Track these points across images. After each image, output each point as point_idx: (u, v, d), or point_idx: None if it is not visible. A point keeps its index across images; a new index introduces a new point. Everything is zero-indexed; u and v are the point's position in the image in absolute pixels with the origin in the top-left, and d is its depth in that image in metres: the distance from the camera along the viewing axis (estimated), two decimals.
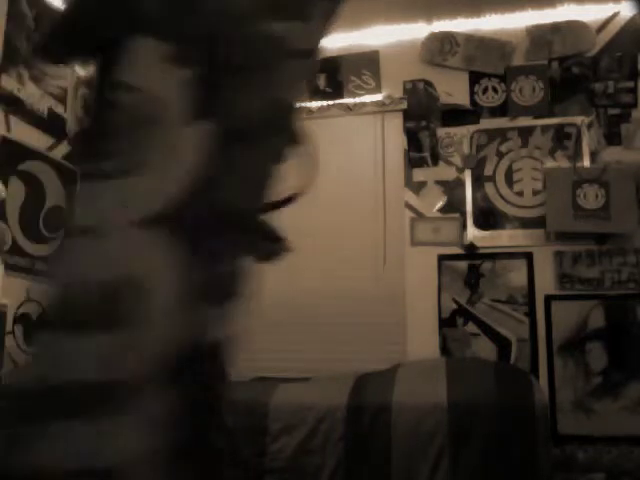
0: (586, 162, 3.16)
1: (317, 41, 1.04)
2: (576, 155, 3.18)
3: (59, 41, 1.12)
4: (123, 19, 0.93)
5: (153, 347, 0.83)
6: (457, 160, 3.31)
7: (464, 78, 3.40)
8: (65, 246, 0.86)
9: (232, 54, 0.92)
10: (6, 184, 2.77)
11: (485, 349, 3.09)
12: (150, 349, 0.82)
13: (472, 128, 3.34)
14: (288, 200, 1.10)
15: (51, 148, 3.17)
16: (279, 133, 1.00)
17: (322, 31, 1.05)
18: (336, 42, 3.42)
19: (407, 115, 3.39)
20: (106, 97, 0.92)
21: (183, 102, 0.88)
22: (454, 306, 3.17)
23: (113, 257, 0.84)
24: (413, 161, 3.36)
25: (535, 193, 3.21)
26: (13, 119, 2.91)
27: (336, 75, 3.44)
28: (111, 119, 0.89)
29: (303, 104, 1.00)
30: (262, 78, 0.95)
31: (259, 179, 0.96)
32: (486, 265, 3.18)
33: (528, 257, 3.14)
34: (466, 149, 3.32)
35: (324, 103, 3.45)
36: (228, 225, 0.91)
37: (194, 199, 0.86)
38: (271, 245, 1.01)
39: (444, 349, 3.13)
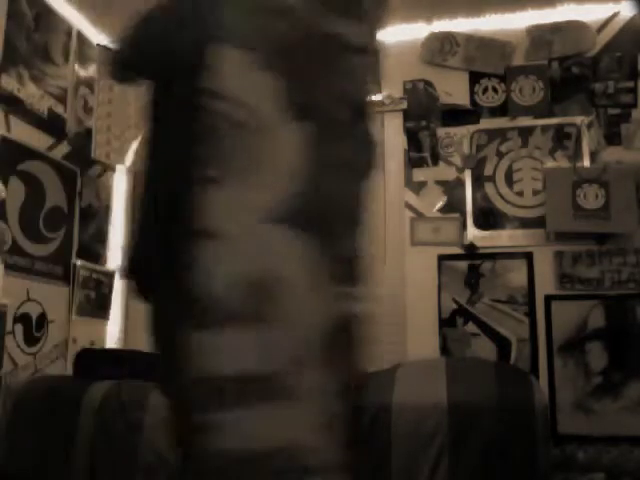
0: (586, 162, 3.16)
1: (371, 37, 1.10)
2: (576, 155, 3.18)
3: (132, 60, 1.22)
4: (204, 30, 0.98)
5: (300, 333, 0.89)
6: (457, 160, 3.31)
7: (464, 78, 3.40)
8: (195, 251, 0.89)
9: (302, 54, 0.98)
10: (6, 184, 2.77)
11: (485, 349, 3.09)
12: (298, 336, 0.89)
13: (472, 128, 3.34)
14: None
15: (51, 148, 3.17)
16: (357, 125, 1.05)
17: (374, 28, 1.11)
18: None
19: (407, 115, 3.39)
20: (194, 105, 0.95)
21: (275, 106, 0.94)
22: (454, 306, 3.17)
23: (250, 255, 0.90)
24: (413, 161, 3.36)
25: (535, 193, 3.21)
26: (13, 119, 2.91)
27: None
28: (205, 126, 0.93)
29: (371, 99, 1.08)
30: (329, 75, 1.00)
31: (352, 167, 1.03)
32: (486, 265, 3.18)
33: (528, 257, 3.14)
34: (466, 149, 3.32)
35: None
36: (339, 213, 0.99)
37: (307, 194, 0.93)
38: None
39: (444, 349, 3.13)
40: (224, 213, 0.91)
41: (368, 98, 1.11)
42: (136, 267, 1.13)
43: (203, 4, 1.04)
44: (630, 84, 3.19)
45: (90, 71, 3.46)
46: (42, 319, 3.03)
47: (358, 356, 1.02)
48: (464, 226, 3.24)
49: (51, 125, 3.16)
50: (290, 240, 0.92)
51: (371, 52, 1.09)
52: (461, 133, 3.34)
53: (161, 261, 1.02)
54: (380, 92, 3.15)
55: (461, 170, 3.30)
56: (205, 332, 0.86)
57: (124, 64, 1.28)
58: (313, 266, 0.93)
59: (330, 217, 0.98)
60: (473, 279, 3.18)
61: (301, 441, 0.87)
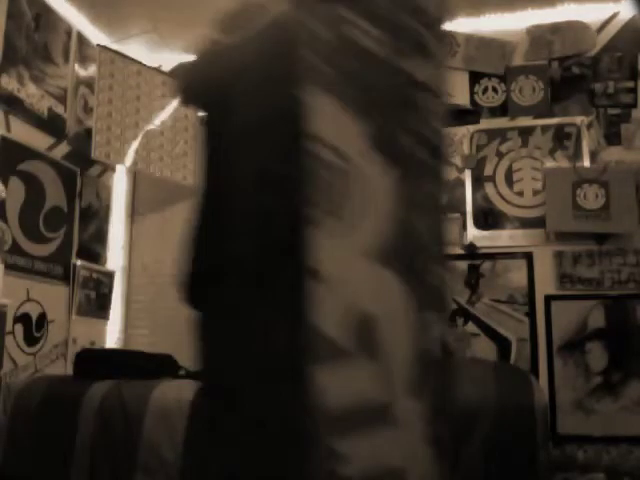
0: (586, 162, 3.16)
1: (439, 77, 1.16)
2: (576, 155, 3.18)
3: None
4: (289, 75, 1.02)
5: (400, 364, 0.98)
6: (457, 160, 3.31)
7: (464, 78, 3.40)
8: (303, 289, 0.95)
9: (386, 98, 1.04)
10: (6, 184, 2.77)
11: (485, 349, 3.09)
12: (398, 366, 0.98)
13: (472, 128, 3.34)
14: None
15: (51, 148, 3.17)
16: (435, 164, 1.12)
17: (442, 68, 1.18)
18: None
19: None
20: (294, 147, 1.00)
21: (365, 149, 1.00)
22: (454, 306, 3.17)
23: (352, 294, 0.97)
24: None
25: (535, 193, 3.21)
26: (13, 119, 2.91)
27: None
28: (303, 169, 0.98)
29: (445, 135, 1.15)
30: (410, 117, 1.07)
31: (435, 206, 1.12)
32: (486, 265, 3.18)
33: (528, 257, 3.14)
34: (466, 149, 3.32)
35: None
36: (427, 249, 1.07)
37: (398, 233, 1.01)
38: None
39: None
40: (326, 255, 0.97)
41: (444, 138, 1.17)
42: (195, 281, 1.18)
43: (282, 48, 1.07)
44: (630, 84, 3.19)
45: (90, 71, 3.46)
46: (42, 319, 3.03)
47: (450, 380, 1.09)
48: (464, 226, 3.24)
49: (51, 125, 3.16)
50: (386, 278, 1.00)
51: (444, 94, 1.15)
52: (461, 133, 3.34)
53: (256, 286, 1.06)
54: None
55: (461, 170, 3.30)
56: (319, 366, 0.94)
57: (186, 93, 1.35)
58: (407, 300, 1.00)
59: (419, 253, 1.06)
60: (473, 279, 3.18)
61: (408, 465, 0.96)
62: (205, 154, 1.24)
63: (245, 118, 1.11)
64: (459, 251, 3.21)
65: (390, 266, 1.00)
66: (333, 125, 1.00)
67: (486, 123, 3.34)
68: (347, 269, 0.98)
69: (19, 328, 2.87)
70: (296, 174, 0.98)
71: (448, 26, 1.22)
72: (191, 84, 1.20)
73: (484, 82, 3.38)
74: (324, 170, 0.98)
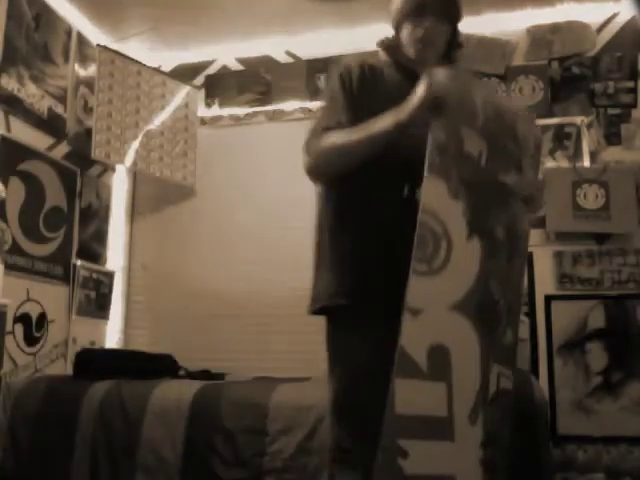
0: (586, 162, 3.16)
1: (531, 187, 1.54)
2: (576, 155, 3.18)
3: None
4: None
5: (464, 392, 1.26)
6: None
7: None
8: (402, 320, 1.26)
9: (480, 191, 1.41)
10: (6, 184, 2.77)
11: None
12: (463, 394, 1.26)
13: None
14: None
15: (51, 148, 3.17)
16: (514, 245, 1.46)
17: (534, 179, 1.56)
18: (336, 42, 3.42)
19: None
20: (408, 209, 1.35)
21: (462, 225, 1.35)
22: None
23: (437, 330, 1.28)
24: None
25: None
26: (13, 119, 2.91)
27: None
28: (417, 231, 1.30)
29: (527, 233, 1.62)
30: (498, 209, 1.44)
31: (510, 279, 1.44)
32: None
33: (528, 257, 3.13)
34: None
35: None
36: (502, 309, 1.38)
37: (479, 291, 1.33)
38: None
39: None
40: (424, 297, 1.28)
41: (524, 228, 1.50)
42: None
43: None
44: (630, 84, 3.19)
45: (90, 71, 3.46)
46: (42, 319, 3.03)
47: (506, 419, 1.36)
48: None
49: (51, 125, 3.16)
50: (461, 322, 1.30)
51: (529, 199, 1.52)
52: None
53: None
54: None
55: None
56: (402, 380, 1.21)
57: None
58: (476, 343, 1.30)
59: (491, 311, 1.35)
60: None
61: (459, 476, 1.20)
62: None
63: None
64: None
65: (466, 314, 1.30)
66: (441, 203, 1.34)
67: None
68: (429, 306, 1.27)
69: (19, 328, 2.87)
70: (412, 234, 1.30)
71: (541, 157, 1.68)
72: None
73: None
74: (427, 232, 1.30)
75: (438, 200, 1.33)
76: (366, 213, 1.50)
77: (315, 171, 1.53)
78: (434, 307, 1.28)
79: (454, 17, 1.68)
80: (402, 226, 1.33)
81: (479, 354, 1.28)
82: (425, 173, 1.32)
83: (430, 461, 1.18)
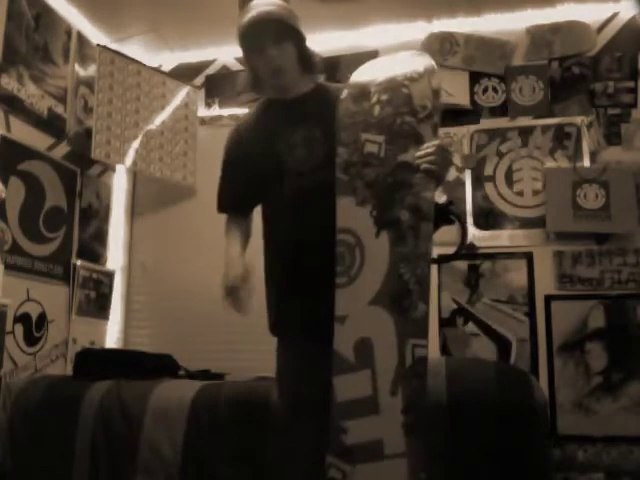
0: (586, 162, 3.16)
1: (432, 153, 1.60)
2: (576, 155, 3.18)
3: None
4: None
5: (387, 371, 1.52)
6: (457, 160, 3.31)
7: (464, 78, 3.40)
8: (334, 331, 1.55)
9: (384, 185, 1.60)
10: (6, 184, 2.77)
11: (485, 349, 3.09)
12: (385, 373, 1.52)
13: (472, 128, 3.34)
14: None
15: (51, 148, 3.17)
16: (419, 225, 1.60)
17: (435, 147, 1.61)
18: (336, 42, 3.42)
19: None
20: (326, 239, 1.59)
21: (369, 225, 1.57)
22: (454, 306, 3.17)
23: (359, 327, 1.55)
24: None
25: (535, 193, 3.21)
26: (13, 119, 2.91)
27: (335, 75, 3.43)
28: (336, 251, 1.57)
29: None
30: (400, 192, 1.59)
31: (418, 256, 1.58)
32: (486, 265, 3.18)
33: (528, 257, 3.14)
34: (466, 149, 3.32)
35: None
36: (411, 290, 1.56)
37: (389, 280, 1.55)
38: None
39: (444, 349, 3.13)
40: (347, 304, 1.56)
41: (430, 202, 1.58)
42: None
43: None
44: (630, 84, 3.19)
45: (90, 71, 3.45)
46: (42, 319, 3.03)
47: (422, 385, 1.53)
48: (458, 225, 3.22)
49: (51, 125, 3.16)
50: (379, 313, 1.54)
51: (429, 171, 1.58)
52: (461, 133, 3.34)
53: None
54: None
55: (461, 170, 3.30)
56: (337, 377, 1.53)
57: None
58: (394, 328, 1.53)
59: (405, 293, 1.54)
60: (473, 279, 3.18)
61: (385, 438, 1.51)
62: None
63: None
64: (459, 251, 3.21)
65: (382, 304, 1.54)
66: (350, 216, 1.58)
67: (486, 123, 3.34)
68: (352, 309, 1.55)
69: (19, 328, 2.87)
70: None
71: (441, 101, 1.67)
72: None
73: (484, 82, 3.38)
74: (344, 247, 1.57)
75: (347, 215, 1.58)
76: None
77: None
78: (356, 308, 1.55)
79: (292, 36, 1.71)
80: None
81: (395, 335, 1.52)
82: (336, 195, 1.59)
83: (362, 432, 1.50)
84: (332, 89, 1.80)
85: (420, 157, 1.58)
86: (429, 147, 1.58)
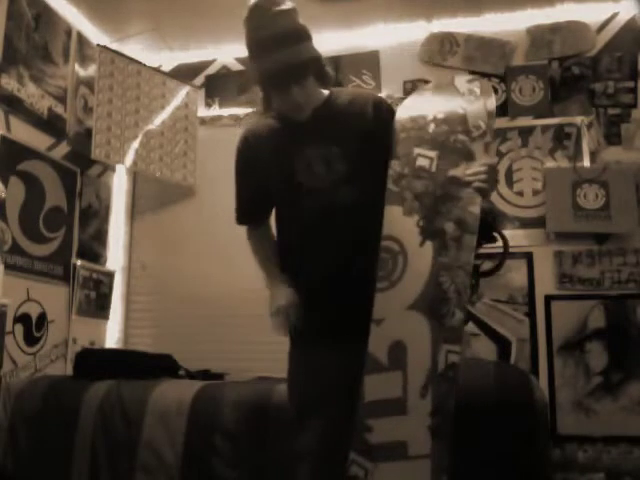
0: (586, 162, 3.16)
1: (483, 172, 1.66)
2: (576, 155, 3.18)
3: None
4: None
5: (418, 375, 1.56)
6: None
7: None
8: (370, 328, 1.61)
9: (432, 197, 1.68)
10: (6, 184, 2.77)
11: (485, 349, 3.09)
12: (416, 377, 1.56)
13: None
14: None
15: (51, 148, 3.17)
16: (463, 236, 1.64)
17: (485, 161, 1.67)
18: (336, 42, 3.42)
19: None
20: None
21: (414, 234, 1.64)
22: None
23: (395, 330, 1.60)
24: None
25: (535, 193, 3.21)
26: (13, 119, 2.91)
27: (336, 75, 3.43)
28: (380, 256, 1.64)
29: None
30: (446, 205, 1.65)
31: (459, 266, 1.62)
32: (486, 265, 3.17)
33: (528, 257, 3.14)
34: None
35: None
36: (450, 298, 1.61)
37: (430, 288, 1.60)
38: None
39: None
40: (385, 307, 1.61)
41: (473, 218, 1.63)
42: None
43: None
44: (630, 84, 3.19)
45: (90, 71, 3.45)
46: (42, 319, 3.03)
47: (452, 390, 1.56)
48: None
49: (51, 125, 3.16)
50: (418, 319, 1.59)
51: (478, 188, 1.63)
52: None
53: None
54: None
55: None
56: (368, 376, 1.57)
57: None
58: (429, 334, 1.57)
59: (443, 301, 1.59)
60: (473, 279, 3.17)
61: (410, 440, 1.54)
62: None
63: None
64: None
65: (420, 310, 1.60)
66: (397, 225, 1.65)
67: None
68: (390, 312, 1.61)
69: (19, 328, 2.87)
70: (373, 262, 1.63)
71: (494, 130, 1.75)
72: None
73: None
74: (387, 254, 1.64)
75: (394, 224, 1.66)
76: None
77: None
78: (394, 312, 1.61)
79: (313, 67, 1.69)
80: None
81: (430, 340, 1.57)
82: (385, 204, 1.67)
83: (387, 432, 1.54)
84: (342, 96, 1.78)
85: (471, 174, 1.64)
86: (481, 165, 1.64)
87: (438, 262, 1.61)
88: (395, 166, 1.72)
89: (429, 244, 1.63)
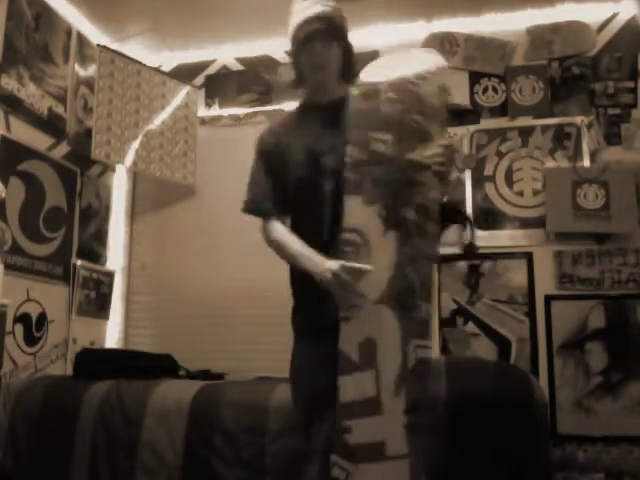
0: (586, 162, 3.16)
1: (440, 153, 1.61)
2: (576, 155, 3.18)
3: None
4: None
5: (390, 372, 1.54)
6: (457, 160, 3.30)
7: (464, 78, 3.40)
8: (340, 331, 1.57)
9: (392, 185, 1.60)
10: (6, 184, 2.77)
11: (485, 349, 3.09)
12: (389, 374, 1.54)
13: (472, 128, 3.34)
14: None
15: (51, 148, 3.17)
16: (426, 224, 1.59)
17: (442, 146, 1.61)
18: None
19: None
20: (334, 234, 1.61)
21: (377, 225, 1.55)
22: (454, 306, 3.17)
23: (364, 326, 1.54)
24: None
25: (535, 193, 3.21)
26: (13, 119, 2.91)
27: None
28: (340, 249, 1.56)
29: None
30: (407, 192, 1.59)
31: (424, 256, 1.58)
32: (486, 265, 3.18)
33: (528, 257, 3.14)
34: (466, 149, 3.32)
35: None
36: (417, 290, 1.56)
37: (397, 279, 1.54)
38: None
39: (444, 349, 3.13)
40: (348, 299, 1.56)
41: (436, 201, 1.59)
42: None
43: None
44: (630, 84, 3.19)
45: (90, 71, 3.45)
46: (42, 319, 3.03)
47: (425, 386, 1.57)
48: (464, 226, 3.23)
49: (51, 125, 3.16)
50: (386, 314, 1.54)
51: (436, 171, 1.58)
52: (461, 133, 3.34)
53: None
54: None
55: (461, 170, 3.30)
56: (342, 377, 1.54)
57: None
58: (400, 328, 1.53)
59: (409, 293, 1.54)
60: (473, 279, 3.18)
61: (387, 439, 1.52)
62: None
63: None
64: (459, 251, 3.20)
65: (388, 304, 1.54)
66: (358, 215, 1.56)
67: (486, 123, 3.34)
68: (361, 310, 1.55)
69: (19, 328, 2.87)
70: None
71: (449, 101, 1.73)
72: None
73: (484, 82, 3.38)
74: (349, 247, 1.55)
75: (355, 214, 1.57)
76: None
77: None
78: (362, 308, 1.55)
79: (340, 40, 1.78)
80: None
81: (399, 335, 1.53)
82: (344, 194, 1.58)
83: (366, 432, 1.52)
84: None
85: (429, 156, 1.58)
86: (438, 146, 1.59)
87: (402, 252, 1.55)
88: (352, 152, 1.60)
89: (392, 234, 1.56)
